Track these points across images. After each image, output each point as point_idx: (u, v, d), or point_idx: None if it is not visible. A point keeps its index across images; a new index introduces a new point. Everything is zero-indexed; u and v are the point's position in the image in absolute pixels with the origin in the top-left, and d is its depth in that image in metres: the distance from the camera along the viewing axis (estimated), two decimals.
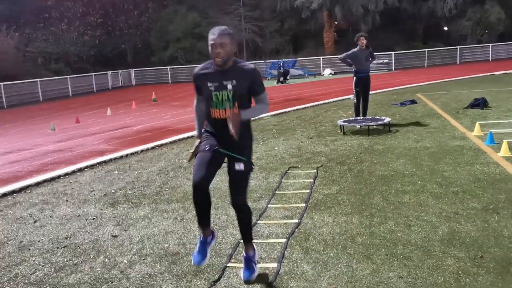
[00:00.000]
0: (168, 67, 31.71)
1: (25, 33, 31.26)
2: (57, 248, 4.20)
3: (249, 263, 3.35)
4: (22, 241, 4.45)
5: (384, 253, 3.59)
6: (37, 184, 6.60)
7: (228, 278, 3.39)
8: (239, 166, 3.23)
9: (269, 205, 4.92)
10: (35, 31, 32.27)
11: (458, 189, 4.98)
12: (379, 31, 32.92)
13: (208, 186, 3.18)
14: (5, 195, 6.15)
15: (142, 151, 8.45)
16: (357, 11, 32.89)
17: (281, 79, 24.04)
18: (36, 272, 3.73)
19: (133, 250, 4.03)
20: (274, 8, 35.40)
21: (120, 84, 30.78)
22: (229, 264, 3.60)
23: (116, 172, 7.04)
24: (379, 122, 8.63)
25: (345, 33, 35.66)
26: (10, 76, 24.06)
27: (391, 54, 28.65)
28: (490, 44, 29.83)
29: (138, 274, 3.55)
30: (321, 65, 29.35)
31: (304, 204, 4.85)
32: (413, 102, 12.23)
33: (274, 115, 11.88)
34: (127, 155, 8.20)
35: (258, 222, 4.45)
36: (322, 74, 28.45)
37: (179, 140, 9.29)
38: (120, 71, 31.24)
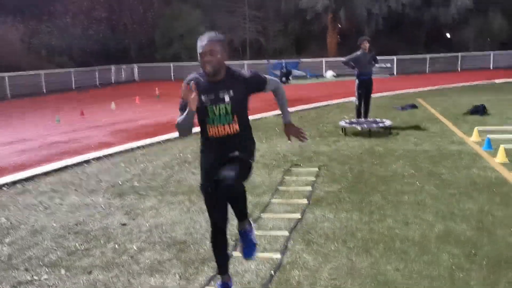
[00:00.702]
0: (172, 63, 31.84)
1: (29, 25, 31.36)
2: (68, 233, 4.38)
3: (246, 238, 3.07)
4: (34, 226, 4.62)
5: (382, 247, 3.77)
6: (45, 174, 6.76)
7: (233, 265, 3.56)
8: (234, 153, 2.91)
9: (272, 200, 5.10)
10: (40, 23, 32.33)
11: (455, 191, 5.16)
12: (382, 35, 33.07)
13: (226, 224, 3.06)
14: (14, 183, 6.32)
15: (147, 145, 8.62)
16: (361, 15, 33.08)
17: (284, 79, 24.20)
18: (49, 254, 3.91)
19: (141, 237, 4.21)
20: (278, 8, 35.56)
21: (123, 79, 30.91)
22: (234, 253, 3.77)
23: (123, 164, 7.21)
24: (380, 124, 8.81)
25: (348, 36, 35.79)
26: (13, 67, 24.15)
27: (393, 58, 28.82)
28: (492, 52, 30.00)
29: (147, 260, 3.73)
30: (324, 67, 29.52)
31: (306, 200, 5.02)
32: (413, 106, 12.41)
33: (277, 114, 12.05)
34: (132, 148, 8.37)
35: (262, 215, 4.63)
36: (324, 76, 28.62)
37: None
38: (124, 66, 31.37)
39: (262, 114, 11.74)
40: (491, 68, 29.18)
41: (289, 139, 3.23)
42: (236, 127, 2.92)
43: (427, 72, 29.24)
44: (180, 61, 32.65)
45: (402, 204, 4.81)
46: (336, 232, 4.13)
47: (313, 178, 5.89)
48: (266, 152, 7.55)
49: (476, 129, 8.03)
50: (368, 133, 8.62)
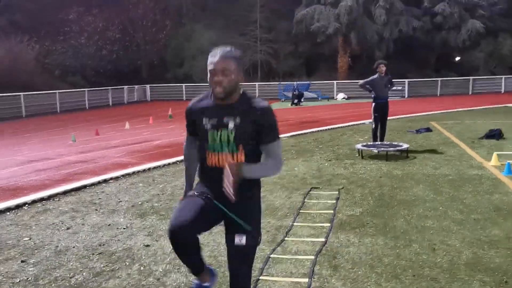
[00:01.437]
0: (183, 84, 32.16)
1: (45, 45, 31.96)
2: (92, 254, 4.38)
3: None
4: (58, 246, 4.62)
5: (411, 273, 3.73)
6: (65, 193, 6.80)
7: None
8: (240, 240, 2.48)
9: (294, 223, 5.08)
10: (55, 43, 32.97)
11: (479, 216, 5.11)
12: (393, 58, 33.22)
13: (192, 233, 2.43)
14: (34, 201, 6.36)
15: (164, 165, 8.65)
16: (372, 38, 33.32)
17: (295, 101, 24.32)
18: (75, 276, 3.90)
19: (166, 259, 4.19)
20: (289, 31, 35.94)
21: (136, 99, 31.23)
22: (261, 277, 3.74)
23: (141, 184, 7.23)
24: (397, 148, 8.80)
25: (359, 58, 36.03)
26: (27, 86, 24.55)
27: (405, 81, 28.90)
28: (503, 76, 30.02)
29: (174, 282, 3.71)
30: (335, 89, 29.65)
31: (329, 224, 4.99)
32: (428, 130, 12.39)
33: (291, 136, 12.09)
34: (149, 168, 8.40)
35: (286, 239, 4.60)
36: (335, 98, 28.72)
37: None
38: (136, 86, 31.74)
39: None
40: (503, 92, 29.13)
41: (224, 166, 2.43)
42: (241, 158, 2.48)
43: (438, 95, 29.25)
44: (191, 81, 33.03)
45: (427, 229, 4.76)
46: (363, 257, 4.10)
47: (333, 201, 5.87)
48: (284, 174, 7.54)
49: (495, 154, 7.98)
50: (385, 157, 8.60)
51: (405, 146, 8.86)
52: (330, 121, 15.74)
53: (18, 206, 6.11)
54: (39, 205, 6.24)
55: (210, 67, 2.40)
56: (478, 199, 5.79)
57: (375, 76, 9.47)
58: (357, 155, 8.97)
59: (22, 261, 4.23)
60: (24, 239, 4.84)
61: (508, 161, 7.31)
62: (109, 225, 5.26)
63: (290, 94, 25.85)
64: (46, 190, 6.93)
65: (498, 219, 5.00)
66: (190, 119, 2.63)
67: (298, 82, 27.45)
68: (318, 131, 13.21)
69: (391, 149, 8.76)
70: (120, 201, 6.28)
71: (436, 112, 18.17)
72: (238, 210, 2.48)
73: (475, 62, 34.56)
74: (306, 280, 3.66)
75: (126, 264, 4.12)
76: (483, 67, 34.24)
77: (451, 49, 35.10)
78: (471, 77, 30.28)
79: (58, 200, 6.44)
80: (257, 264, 4.01)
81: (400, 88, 28.54)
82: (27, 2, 31.86)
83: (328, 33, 33.53)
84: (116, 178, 7.72)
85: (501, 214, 5.17)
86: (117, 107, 27.05)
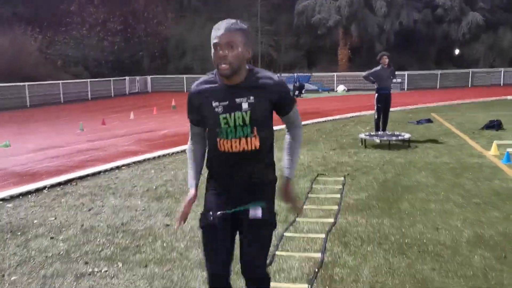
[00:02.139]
0: (184, 75, 32.36)
1: (47, 36, 32.11)
2: (117, 232, 4.66)
3: None
4: (83, 225, 4.90)
5: (417, 250, 4.01)
6: (81, 178, 7.07)
7: (278, 263, 3.81)
8: (256, 212, 2.30)
9: (304, 207, 5.35)
10: (57, 34, 33.12)
11: (479, 200, 5.39)
12: (393, 51, 33.39)
13: (229, 273, 2.42)
14: (53, 186, 6.63)
15: (173, 153, 8.91)
16: (373, 30, 33.52)
17: (296, 92, 24.56)
18: (104, 250, 4.18)
19: (186, 237, 4.47)
20: (290, 23, 36.14)
21: (137, 90, 31.44)
22: (277, 252, 4.02)
23: (153, 171, 7.50)
24: (399, 137, 9.07)
25: (359, 51, 36.24)
26: (30, 77, 24.74)
27: (404, 74, 29.13)
28: (502, 69, 30.29)
29: (196, 256, 3.98)
30: (335, 81, 29.88)
31: (336, 207, 5.28)
32: (429, 121, 12.66)
33: None
34: (159, 156, 8.67)
35: (297, 219, 4.88)
36: (335, 90, 28.96)
37: None
38: (137, 77, 31.94)
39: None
40: (502, 84, 29.40)
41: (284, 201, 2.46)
42: (256, 143, 2.29)
43: (437, 87, 29.51)
44: (192, 72, 33.20)
45: (430, 211, 5.05)
46: (370, 235, 4.38)
47: (340, 186, 6.15)
48: None
49: (494, 143, 8.26)
50: (388, 146, 8.87)
51: (407, 136, 9.13)
52: (331, 112, 15.99)
53: (38, 190, 6.38)
54: (58, 188, 6.50)
55: (214, 41, 2.15)
56: (478, 185, 6.08)
57: (378, 67, 9.72)
58: (360, 144, 9.25)
59: (51, 238, 4.51)
60: (50, 219, 5.11)
61: (508, 150, 7.60)
62: (128, 207, 5.54)
63: (291, 86, 26.07)
64: (62, 175, 7.19)
65: (498, 202, 5.29)
66: (195, 104, 2.36)
67: (299, 74, 27.67)
68: (320, 121, 13.48)
69: (394, 138, 9.04)
70: (135, 186, 6.55)
71: (435, 104, 18.44)
72: (254, 194, 2.35)
73: (475, 55, 34.83)
74: (319, 255, 3.95)
75: (149, 240, 4.40)
76: (483, 60, 34.50)
77: (451, 42, 35.34)
78: (470, 70, 30.54)
79: (76, 185, 6.70)
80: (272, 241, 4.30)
81: (399, 80, 28.78)
82: None
83: (329, 25, 33.74)
84: (128, 165, 7.98)
85: (500, 198, 5.46)
86: (119, 98, 27.28)
